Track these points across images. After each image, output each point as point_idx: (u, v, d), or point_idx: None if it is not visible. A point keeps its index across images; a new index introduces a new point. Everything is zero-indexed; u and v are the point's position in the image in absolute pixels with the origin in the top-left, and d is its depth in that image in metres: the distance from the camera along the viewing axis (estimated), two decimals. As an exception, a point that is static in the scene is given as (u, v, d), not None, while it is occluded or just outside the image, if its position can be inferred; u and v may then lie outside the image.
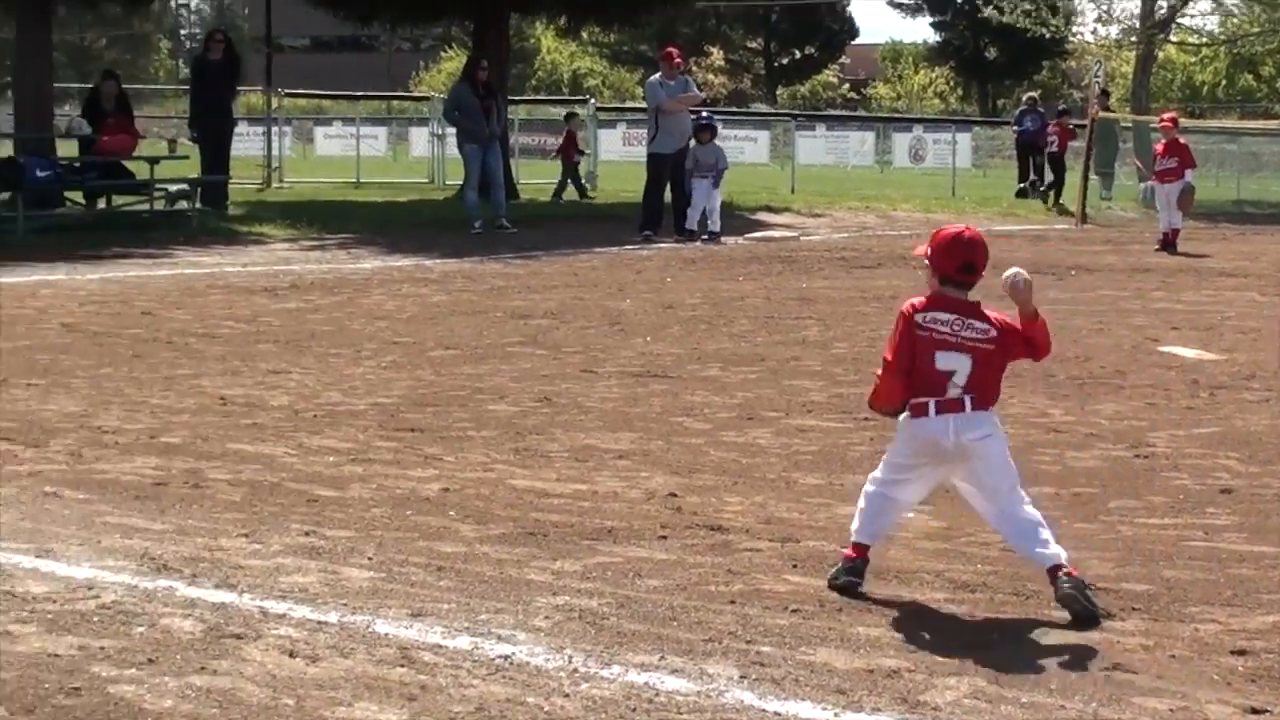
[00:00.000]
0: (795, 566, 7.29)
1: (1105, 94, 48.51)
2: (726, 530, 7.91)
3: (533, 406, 11.04)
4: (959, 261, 6.87)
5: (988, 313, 6.89)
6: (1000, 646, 6.25)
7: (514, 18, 41.17)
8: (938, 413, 6.83)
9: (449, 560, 7.30)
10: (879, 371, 7.02)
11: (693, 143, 25.90)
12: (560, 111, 61.43)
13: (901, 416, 7.03)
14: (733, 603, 6.74)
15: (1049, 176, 41.03)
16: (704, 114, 28.29)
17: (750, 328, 15.00)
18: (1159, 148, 26.65)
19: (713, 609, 6.65)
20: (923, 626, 6.48)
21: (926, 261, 6.96)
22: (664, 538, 7.76)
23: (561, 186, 36.74)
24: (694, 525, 8.00)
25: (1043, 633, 6.44)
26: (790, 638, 6.31)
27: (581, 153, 39.44)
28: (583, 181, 37.58)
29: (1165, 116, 27.12)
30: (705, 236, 25.22)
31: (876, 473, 7.18)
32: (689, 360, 13.09)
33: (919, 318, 6.86)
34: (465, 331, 14.42)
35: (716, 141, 26.72)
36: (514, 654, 6.05)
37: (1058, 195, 40.03)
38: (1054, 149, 41.96)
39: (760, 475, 9.10)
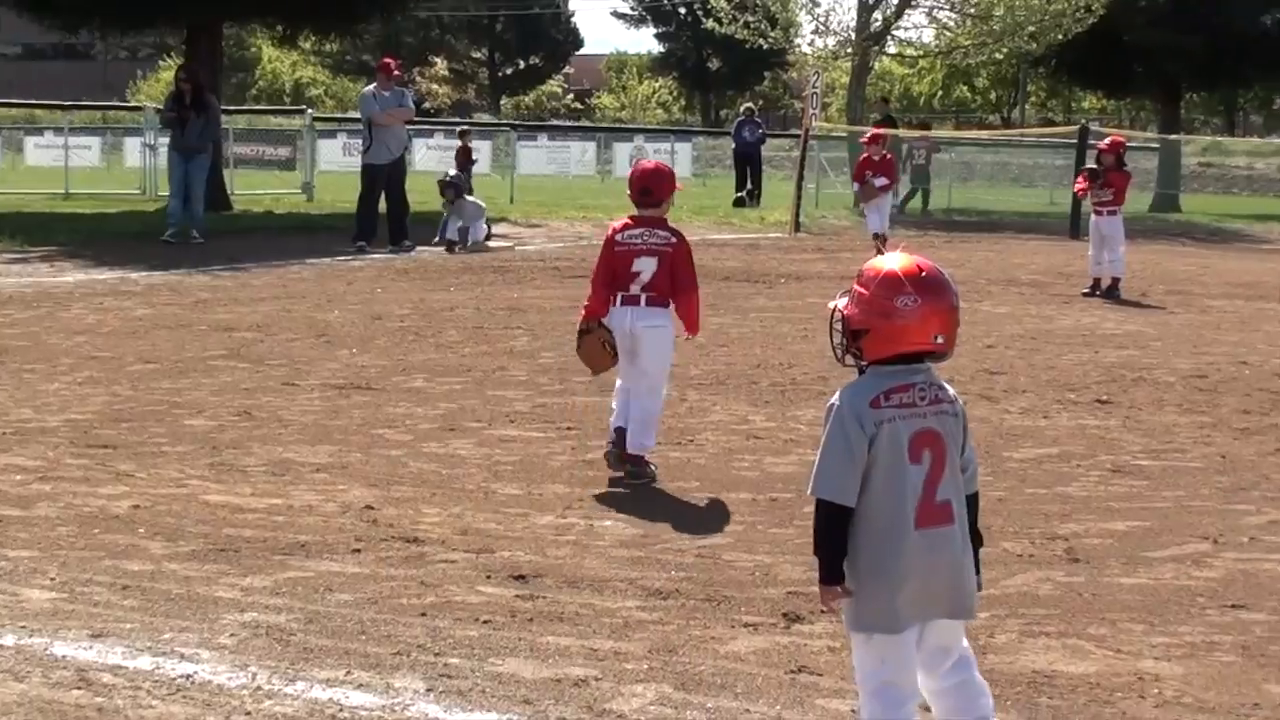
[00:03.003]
0: (489, 577, 7.27)
1: (885, 100, 49.40)
2: (422, 542, 7.86)
3: (231, 421, 10.85)
4: (639, 186, 9.13)
5: (671, 225, 9.17)
6: (688, 652, 6.30)
7: (230, 26, 40.49)
8: (621, 305, 9.06)
9: (135, 579, 7.14)
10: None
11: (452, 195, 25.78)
12: (279, 121, 60.68)
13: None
14: (423, 615, 6.70)
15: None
16: (450, 174, 27.67)
17: (458, 338, 14.93)
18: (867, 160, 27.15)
19: (403, 622, 6.59)
20: (612, 634, 6.50)
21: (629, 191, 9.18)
22: (358, 551, 7.69)
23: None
24: (389, 538, 7.93)
25: (732, 637, 6.49)
26: (479, 649, 6.28)
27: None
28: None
29: (869, 134, 27.55)
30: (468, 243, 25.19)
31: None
32: (394, 372, 12.98)
33: (618, 237, 9.06)
34: (166, 345, 14.12)
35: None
36: (196, 673, 5.94)
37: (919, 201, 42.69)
38: (921, 161, 43.06)
39: (459, 486, 9.07)
